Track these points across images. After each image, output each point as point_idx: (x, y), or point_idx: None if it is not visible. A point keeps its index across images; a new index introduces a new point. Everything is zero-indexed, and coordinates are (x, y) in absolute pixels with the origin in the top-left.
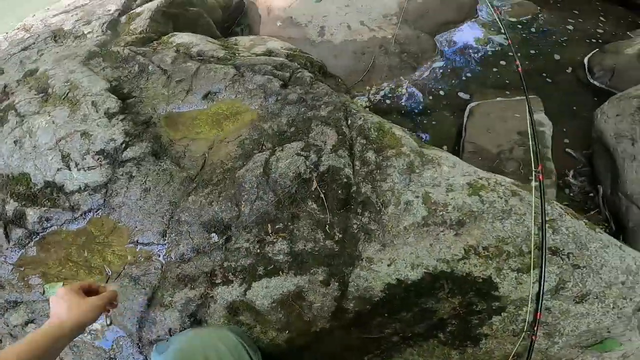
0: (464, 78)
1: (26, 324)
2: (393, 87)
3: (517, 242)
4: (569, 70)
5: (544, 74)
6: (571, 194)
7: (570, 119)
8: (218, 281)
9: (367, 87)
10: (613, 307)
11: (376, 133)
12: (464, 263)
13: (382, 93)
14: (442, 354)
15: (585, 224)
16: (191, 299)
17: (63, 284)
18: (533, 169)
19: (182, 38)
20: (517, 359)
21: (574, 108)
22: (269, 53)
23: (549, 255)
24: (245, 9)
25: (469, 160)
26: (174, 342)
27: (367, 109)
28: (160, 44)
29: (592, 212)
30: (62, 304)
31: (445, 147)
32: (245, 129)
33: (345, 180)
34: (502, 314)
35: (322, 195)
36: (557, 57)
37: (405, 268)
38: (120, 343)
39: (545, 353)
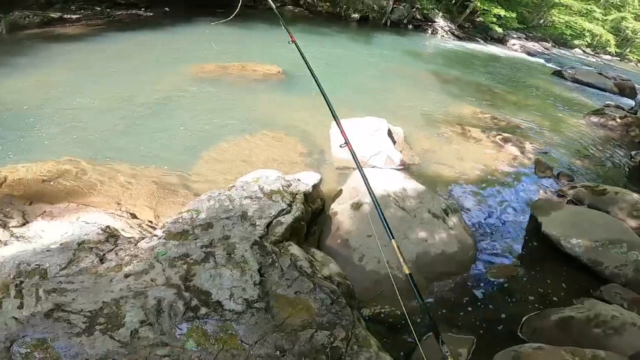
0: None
1: None
2: (390, 309)
3: None
4: (501, 327)
5: (484, 325)
6: None
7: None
8: None
9: (374, 304)
10: None
11: (362, 337)
12: None
13: (381, 311)
14: None
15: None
16: None
17: None
18: None
19: (294, 249)
20: None
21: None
22: (330, 277)
23: None
24: (325, 215)
25: None
26: None
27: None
28: (283, 248)
29: None
30: None
31: None
32: (307, 316)
33: (342, 352)
34: None
35: (329, 353)
36: (503, 315)
37: None
38: None
39: None
